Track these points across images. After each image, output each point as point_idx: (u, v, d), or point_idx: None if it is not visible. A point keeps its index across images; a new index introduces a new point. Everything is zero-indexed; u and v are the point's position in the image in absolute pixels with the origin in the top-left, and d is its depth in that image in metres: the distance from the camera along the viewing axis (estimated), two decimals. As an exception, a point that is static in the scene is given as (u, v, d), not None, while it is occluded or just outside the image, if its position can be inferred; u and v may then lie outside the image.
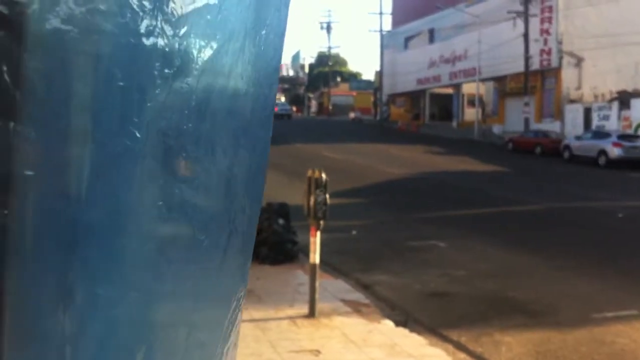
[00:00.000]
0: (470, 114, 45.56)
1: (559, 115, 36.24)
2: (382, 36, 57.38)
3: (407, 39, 54.80)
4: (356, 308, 7.14)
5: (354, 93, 74.71)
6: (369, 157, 27.04)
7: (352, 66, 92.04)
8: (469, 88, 46.14)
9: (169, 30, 0.91)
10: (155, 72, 0.90)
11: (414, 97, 54.43)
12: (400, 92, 55.11)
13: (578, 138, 29.14)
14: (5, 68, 0.72)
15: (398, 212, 14.59)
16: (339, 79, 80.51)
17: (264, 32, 1.13)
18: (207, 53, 1.01)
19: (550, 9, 36.70)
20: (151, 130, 0.91)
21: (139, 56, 0.87)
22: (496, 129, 40.36)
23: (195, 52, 0.98)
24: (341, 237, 11.06)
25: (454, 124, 47.56)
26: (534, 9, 36.73)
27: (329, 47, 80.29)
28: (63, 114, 0.79)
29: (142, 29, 0.86)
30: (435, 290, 8.14)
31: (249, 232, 1.22)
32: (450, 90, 50.00)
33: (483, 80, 42.42)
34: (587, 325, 6.71)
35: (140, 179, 0.92)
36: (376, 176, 21.05)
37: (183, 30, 0.93)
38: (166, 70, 0.92)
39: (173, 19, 0.91)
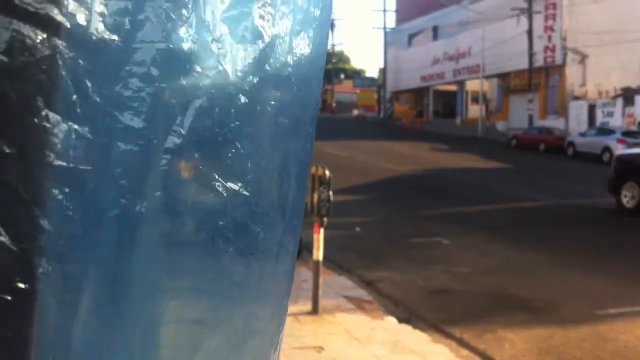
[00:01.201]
0: (475, 111, 45.51)
1: (563, 112, 36.18)
2: (386, 34, 57.36)
3: (411, 37, 54.75)
4: (360, 305, 7.16)
5: (358, 90, 74.61)
6: (373, 154, 27.05)
7: (356, 64, 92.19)
8: (473, 85, 46.08)
9: (206, 35, 0.96)
10: (195, 74, 0.96)
11: (418, 95, 54.41)
12: (404, 89, 55.09)
13: (582, 135, 29.10)
14: (64, 72, 0.79)
15: (402, 209, 14.60)
16: (342, 77, 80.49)
17: (311, 32, 1.16)
18: (252, 55, 1.05)
19: (554, 6, 36.63)
20: (195, 128, 0.96)
21: (177, 59, 0.93)
22: (500, 126, 40.31)
23: (238, 54, 1.03)
24: (345, 234, 11.08)
25: (458, 121, 47.51)
26: (538, 6, 36.66)
27: (333, 45, 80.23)
28: (110, 113, 0.85)
29: (179, 35, 0.92)
30: (439, 287, 8.16)
31: (299, 226, 1.26)
32: (454, 88, 49.97)
33: (487, 77, 42.39)
34: (591, 322, 6.72)
35: (185, 174, 0.99)
36: (380, 173, 21.06)
37: (221, 34, 0.99)
38: (207, 72, 0.98)
39: (210, 25, 0.97)
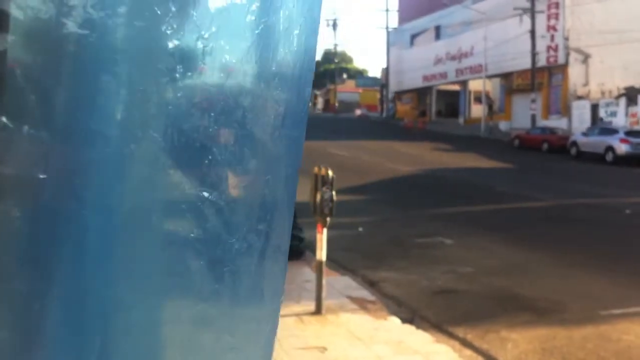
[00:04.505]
0: (477, 110, 45.48)
1: (566, 111, 36.12)
2: (388, 33, 57.36)
3: (413, 36, 54.72)
4: (363, 305, 7.15)
5: (360, 90, 74.61)
6: (376, 154, 27.03)
7: (359, 63, 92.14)
8: (475, 85, 46.04)
9: (190, 33, 0.90)
10: (176, 75, 0.89)
11: (420, 94, 54.35)
12: (406, 89, 55.05)
13: (585, 134, 29.04)
14: (18, 72, 0.71)
15: (404, 209, 14.59)
16: (345, 76, 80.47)
17: (296, 32, 1.10)
18: (235, 55, 0.99)
19: (556, 5, 36.58)
20: (172, 132, 0.89)
21: (155, 58, 0.87)
22: (503, 125, 40.27)
23: (220, 54, 0.96)
24: (348, 234, 11.07)
25: (461, 120, 47.47)
26: (541, 5, 36.61)
27: (335, 44, 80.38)
28: (78, 118, 0.78)
29: (159, 31, 0.86)
30: (442, 287, 8.15)
31: (286, 233, 1.19)
32: (456, 87, 49.92)
33: (489, 77, 42.35)
34: (594, 322, 6.70)
35: (160, 181, 0.91)
36: (383, 173, 21.04)
37: (207, 33, 0.92)
38: (188, 73, 0.91)
39: (195, 22, 0.90)
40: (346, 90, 75.87)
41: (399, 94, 57.15)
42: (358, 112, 61.62)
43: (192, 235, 0.96)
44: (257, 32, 1.02)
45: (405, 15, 56.60)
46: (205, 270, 1.00)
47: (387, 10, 59.91)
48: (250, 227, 1.07)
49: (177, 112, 0.90)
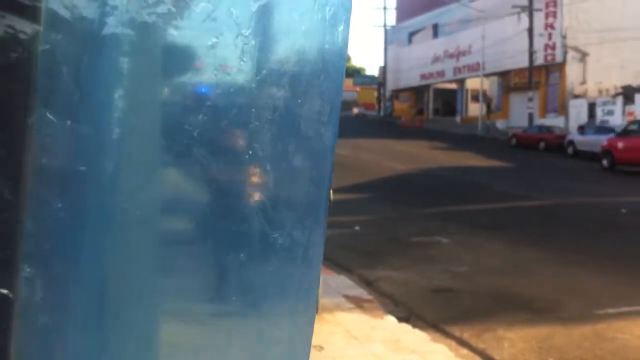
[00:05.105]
0: (474, 109, 45.51)
1: (563, 110, 36.16)
2: (386, 31, 57.32)
3: (411, 34, 54.71)
4: (359, 304, 7.15)
5: (358, 88, 74.58)
6: (373, 152, 27.03)
7: (356, 62, 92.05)
8: (472, 83, 46.06)
9: (229, 31, 0.91)
10: (213, 71, 0.91)
11: (417, 93, 54.36)
12: (404, 87, 55.05)
13: (581, 133, 29.07)
14: (65, 70, 0.73)
15: (401, 207, 14.59)
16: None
17: (340, 28, 1.12)
18: (277, 53, 1.00)
19: (554, 3, 36.61)
20: (211, 129, 0.91)
21: (194, 56, 0.89)
22: (500, 124, 40.31)
23: (262, 52, 0.97)
24: (344, 232, 11.07)
25: (458, 119, 47.50)
26: (539, 3, 36.64)
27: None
28: (121, 114, 0.80)
29: (195, 29, 0.88)
30: (439, 286, 8.15)
31: (323, 228, 1.21)
32: (454, 86, 49.94)
33: (487, 75, 42.38)
34: (591, 321, 6.71)
35: (201, 177, 0.93)
36: (380, 172, 21.04)
37: (248, 31, 0.93)
38: (228, 71, 0.93)
39: (235, 20, 0.92)
40: (344, 88, 75.74)
41: (397, 93, 57.15)
42: (355, 110, 61.61)
43: (234, 230, 0.98)
44: (303, 28, 1.03)
45: (403, 13, 56.60)
46: (249, 265, 1.01)
47: (384, 8, 59.84)
48: (296, 222, 1.08)
49: (217, 107, 0.92)
